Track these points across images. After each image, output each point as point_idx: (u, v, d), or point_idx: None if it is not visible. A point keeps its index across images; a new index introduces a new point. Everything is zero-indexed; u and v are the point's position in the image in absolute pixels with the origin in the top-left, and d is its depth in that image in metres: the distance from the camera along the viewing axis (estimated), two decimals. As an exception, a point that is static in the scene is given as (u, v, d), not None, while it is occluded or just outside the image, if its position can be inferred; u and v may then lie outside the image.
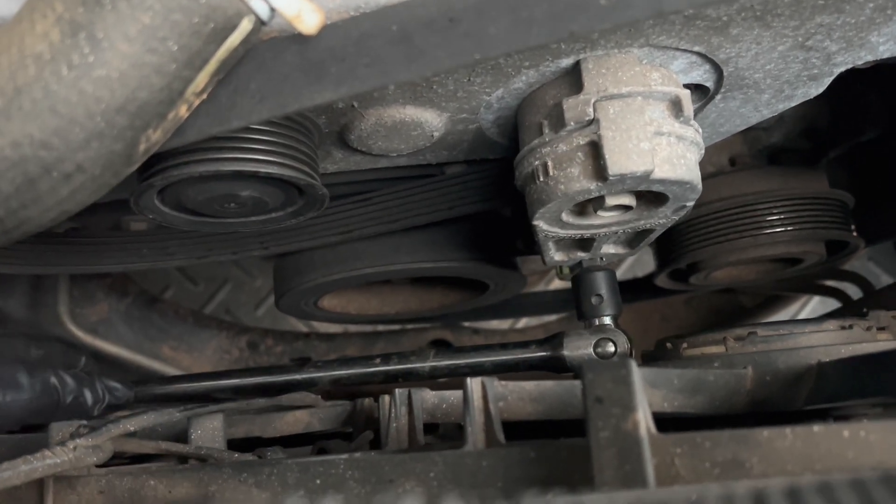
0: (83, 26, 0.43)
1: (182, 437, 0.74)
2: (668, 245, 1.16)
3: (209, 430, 0.74)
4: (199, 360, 1.53)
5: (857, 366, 0.57)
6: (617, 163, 0.63)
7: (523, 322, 1.83)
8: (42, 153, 0.45)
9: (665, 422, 0.49)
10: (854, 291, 1.41)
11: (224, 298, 2.12)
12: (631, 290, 1.40)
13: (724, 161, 1.13)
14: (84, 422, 0.68)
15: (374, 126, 0.71)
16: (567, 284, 0.97)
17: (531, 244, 1.05)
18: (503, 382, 0.61)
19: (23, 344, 0.94)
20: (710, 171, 1.12)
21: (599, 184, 0.65)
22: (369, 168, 0.84)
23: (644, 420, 0.46)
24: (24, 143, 0.45)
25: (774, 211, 1.07)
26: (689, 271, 1.20)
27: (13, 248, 0.90)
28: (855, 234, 1.12)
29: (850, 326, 0.72)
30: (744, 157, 1.12)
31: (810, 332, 0.71)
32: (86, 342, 1.44)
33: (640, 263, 1.89)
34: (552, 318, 1.68)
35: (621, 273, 1.90)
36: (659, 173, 0.65)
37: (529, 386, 0.62)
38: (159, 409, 0.75)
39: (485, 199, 0.88)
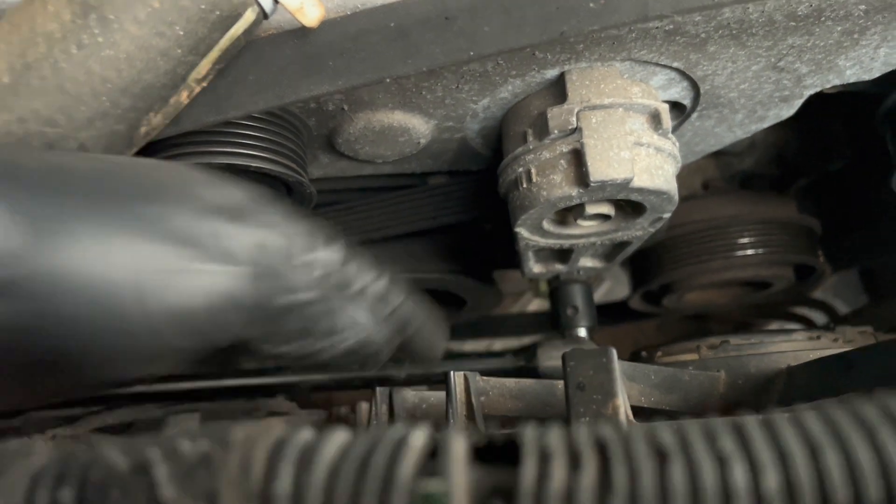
0: (94, 7, 0.45)
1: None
2: (643, 266, 1.18)
3: (185, 429, 0.74)
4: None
5: (825, 366, 0.59)
6: (598, 170, 0.66)
7: (499, 345, 1.85)
8: (47, 129, 0.46)
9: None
10: (821, 320, 1.45)
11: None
12: (605, 314, 1.42)
13: (697, 185, 1.17)
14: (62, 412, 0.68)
15: (362, 130, 0.73)
16: (541, 307, 1.00)
17: (510, 258, 1.07)
18: (485, 378, 0.63)
19: None
20: (684, 194, 1.15)
21: (581, 190, 0.68)
22: (354, 175, 0.86)
23: (623, 405, 0.48)
24: (29, 118, 0.46)
25: (745, 234, 1.11)
26: (663, 293, 1.22)
27: None
28: (822, 259, 1.16)
29: (818, 337, 0.75)
30: (716, 181, 1.16)
31: (780, 340, 0.73)
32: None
33: (614, 293, 1.92)
34: (526, 340, 1.70)
35: (597, 298, 1.92)
36: (638, 182, 0.67)
37: (510, 382, 0.63)
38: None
39: (466, 210, 0.90)
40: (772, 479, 0.20)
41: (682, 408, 0.62)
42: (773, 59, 0.69)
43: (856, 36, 0.67)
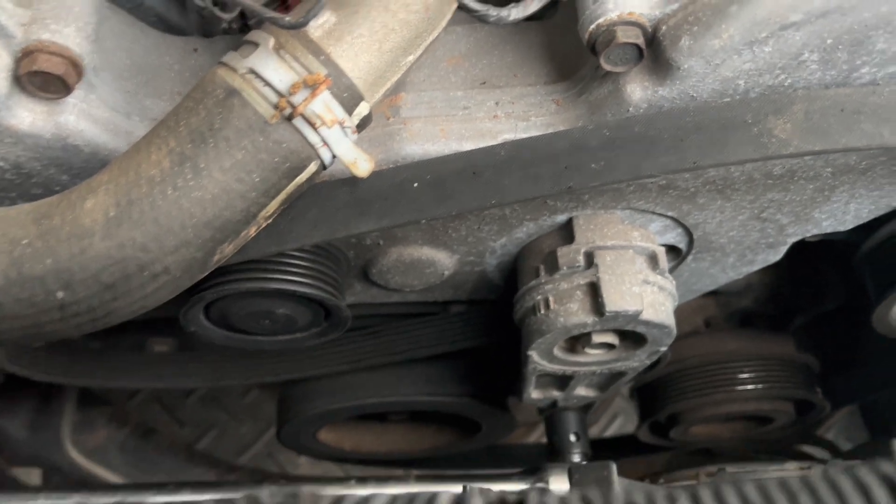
0: (189, 158, 0.55)
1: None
2: (650, 398, 1.24)
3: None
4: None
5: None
6: (613, 301, 0.74)
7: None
8: (140, 254, 0.56)
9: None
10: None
11: (208, 444, 2.11)
12: (617, 448, 1.46)
13: (699, 322, 1.25)
14: None
15: (394, 262, 0.83)
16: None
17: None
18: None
19: None
20: (686, 330, 1.23)
21: (595, 318, 0.75)
22: (382, 302, 0.95)
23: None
24: (127, 245, 0.55)
25: (745, 369, 1.17)
26: (669, 425, 1.27)
27: (52, 359, 0.98)
28: (820, 395, 1.21)
29: (809, 467, 0.80)
30: (717, 319, 1.24)
31: (774, 469, 0.79)
32: (82, 467, 1.48)
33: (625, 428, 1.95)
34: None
35: (612, 431, 1.94)
36: (645, 315, 0.75)
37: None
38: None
39: (483, 336, 0.98)
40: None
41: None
42: (756, 211, 0.79)
43: (826, 193, 0.77)
